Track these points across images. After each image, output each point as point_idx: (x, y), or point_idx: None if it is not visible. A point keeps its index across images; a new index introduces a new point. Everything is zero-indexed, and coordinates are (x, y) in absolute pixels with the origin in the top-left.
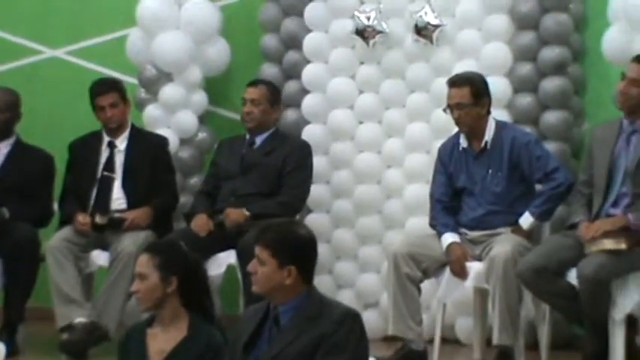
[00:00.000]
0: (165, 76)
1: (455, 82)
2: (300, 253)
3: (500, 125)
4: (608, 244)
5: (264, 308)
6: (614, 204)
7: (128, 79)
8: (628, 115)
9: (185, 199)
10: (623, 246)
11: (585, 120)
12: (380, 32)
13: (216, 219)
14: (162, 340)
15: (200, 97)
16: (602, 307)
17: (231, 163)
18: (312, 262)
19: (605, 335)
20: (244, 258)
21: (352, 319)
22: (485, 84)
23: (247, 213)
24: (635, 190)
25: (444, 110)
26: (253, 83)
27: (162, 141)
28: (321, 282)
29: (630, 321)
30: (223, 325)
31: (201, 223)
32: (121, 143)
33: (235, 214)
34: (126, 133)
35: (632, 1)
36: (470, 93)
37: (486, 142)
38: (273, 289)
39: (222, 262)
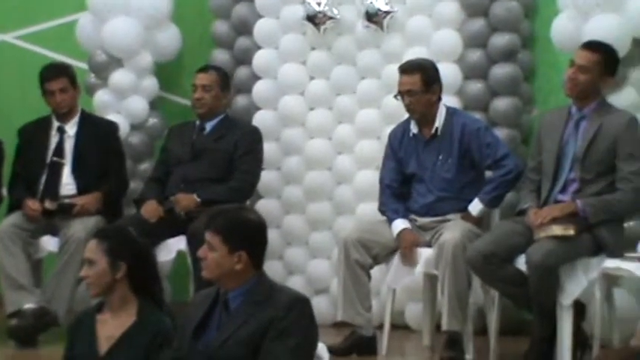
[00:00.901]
0: (116, 62)
1: (406, 69)
2: (250, 238)
3: (450, 112)
4: (557, 230)
5: (213, 294)
6: (563, 190)
7: (78, 64)
8: (576, 101)
9: (135, 185)
10: (571, 232)
11: (535, 106)
12: (331, 18)
13: (167, 205)
14: (111, 325)
15: (150, 83)
16: (550, 292)
17: (181, 149)
18: (263, 247)
19: (553, 320)
20: (194, 244)
21: (301, 304)
22: (436, 71)
23: (197, 199)
24: (583, 176)
25: (395, 97)
26: (204, 69)
27: (112, 126)
28: (272, 268)
29: (577, 306)
30: (173, 310)
31: (151, 209)
32: (71, 129)
33: (185, 200)
34: (76, 119)
35: None
36: (420, 80)
37: (437, 129)
38: (223, 274)
39: (172, 248)
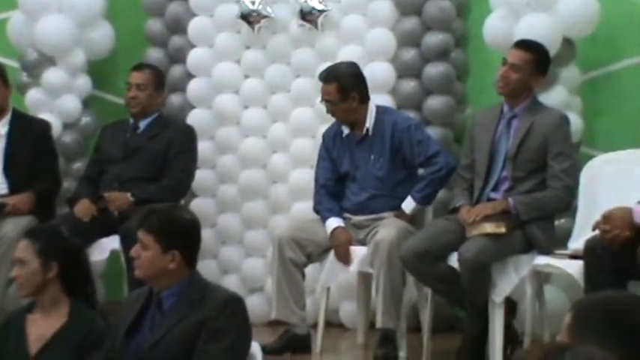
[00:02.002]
0: (48, 60)
1: (323, 78)
2: (183, 237)
3: (381, 110)
4: (489, 227)
5: (146, 293)
6: (495, 188)
7: (10, 63)
8: (508, 100)
9: (68, 184)
10: (503, 230)
11: (468, 105)
12: (265, 17)
13: (100, 204)
14: (42, 326)
15: (84, 82)
16: (482, 290)
17: (114, 148)
18: (196, 246)
19: (485, 317)
20: (128, 243)
21: (235, 304)
22: (354, 77)
23: (131, 198)
24: (515, 174)
25: (321, 102)
26: (138, 67)
27: (44, 125)
28: (206, 267)
29: (509, 303)
30: (106, 310)
31: (84, 209)
32: (2, 128)
33: (119, 199)
34: (7, 118)
35: None
36: (336, 90)
37: (368, 129)
38: (157, 274)
39: (105, 248)
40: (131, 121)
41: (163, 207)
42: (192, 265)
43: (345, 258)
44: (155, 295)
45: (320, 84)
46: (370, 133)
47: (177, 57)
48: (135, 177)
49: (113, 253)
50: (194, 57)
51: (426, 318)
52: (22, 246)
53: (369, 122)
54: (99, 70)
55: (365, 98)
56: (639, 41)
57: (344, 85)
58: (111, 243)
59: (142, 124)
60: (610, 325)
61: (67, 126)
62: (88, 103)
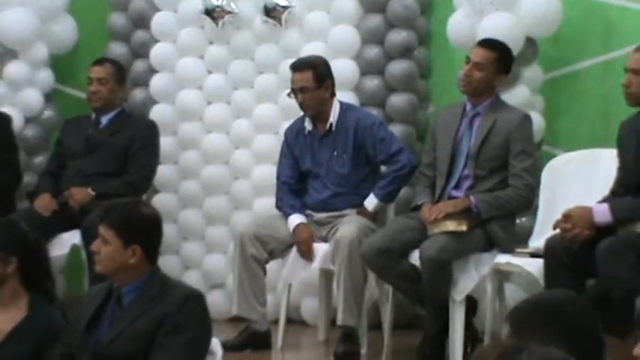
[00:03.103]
0: (10, 53)
1: (297, 66)
2: (144, 232)
3: (344, 107)
4: (450, 225)
5: (106, 288)
6: (457, 186)
7: None
8: (471, 98)
9: (29, 179)
10: (464, 227)
11: (431, 103)
12: (229, 12)
13: (61, 199)
14: (1, 320)
15: (46, 75)
16: (443, 287)
17: (76, 143)
18: (157, 242)
19: (446, 315)
20: (89, 238)
21: (195, 299)
22: (327, 67)
23: (92, 192)
24: (476, 172)
25: (289, 95)
26: (99, 62)
27: (5, 119)
28: (168, 262)
29: (469, 301)
30: (66, 305)
31: (44, 203)
32: None
33: (80, 194)
34: None
35: None
36: (312, 77)
37: (331, 124)
38: (117, 268)
39: (66, 242)
40: (93, 115)
41: (125, 202)
42: (153, 260)
43: (307, 255)
44: (115, 290)
45: (284, 79)
46: (334, 129)
47: (141, 52)
48: (96, 172)
49: (74, 248)
50: (157, 52)
51: (386, 315)
52: None
53: (333, 118)
54: (61, 64)
55: (333, 92)
56: (601, 41)
57: (320, 72)
58: (71, 238)
59: (104, 119)
60: (548, 328)
61: (28, 120)
62: (50, 97)
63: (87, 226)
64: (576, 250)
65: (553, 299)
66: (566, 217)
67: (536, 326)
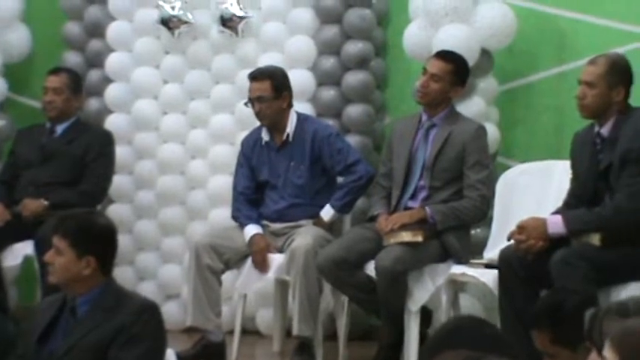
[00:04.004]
0: None
1: (256, 76)
2: (99, 243)
3: (301, 118)
4: (406, 236)
5: (60, 299)
6: (413, 197)
7: None
8: (427, 109)
9: None
10: (419, 238)
11: (387, 114)
12: (185, 22)
13: (14, 209)
14: None
15: None
16: (399, 298)
17: (30, 152)
18: (112, 253)
19: (401, 326)
20: (42, 248)
21: (150, 311)
22: (285, 78)
23: (45, 202)
24: (432, 183)
25: (246, 104)
26: (55, 71)
27: None
28: (123, 273)
29: (424, 312)
30: (18, 316)
31: None
32: None
33: (33, 205)
34: None
35: None
36: (270, 87)
37: (288, 135)
38: (71, 279)
39: (18, 253)
40: (48, 125)
41: (79, 212)
42: (108, 271)
43: (262, 265)
44: (69, 302)
45: (241, 89)
46: (291, 139)
47: (96, 61)
48: (51, 182)
49: (26, 259)
50: (113, 61)
51: (342, 326)
52: None
53: (290, 129)
54: (15, 73)
55: (291, 103)
56: (555, 53)
57: (278, 83)
58: (25, 248)
59: (59, 129)
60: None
61: None
62: (3, 106)
63: (40, 237)
64: (530, 261)
65: (448, 327)
66: (521, 228)
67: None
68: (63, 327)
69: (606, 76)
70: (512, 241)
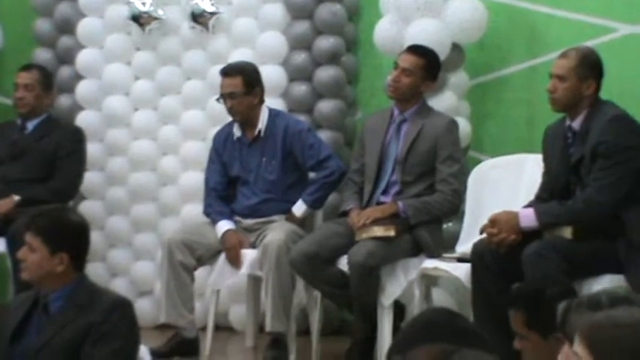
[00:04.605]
0: None
1: (227, 71)
2: (72, 240)
3: (273, 114)
4: (378, 231)
5: (32, 297)
6: (385, 192)
7: None
8: (398, 104)
9: None
10: (392, 233)
11: (358, 109)
12: (156, 19)
13: None
14: None
15: None
16: (372, 293)
17: (1, 149)
18: (85, 249)
19: (374, 321)
20: (14, 245)
21: (122, 307)
22: (257, 74)
23: (16, 198)
24: (404, 178)
25: (217, 100)
26: (26, 68)
27: None
28: (95, 270)
29: (397, 307)
30: None
31: None
32: None
33: (4, 205)
34: None
35: None
36: (242, 82)
37: (260, 131)
38: (44, 276)
39: None
40: (19, 121)
41: (51, 209)
42: (81, 267)
43: (235, 261)
44: (42, 299)
45: (212, 85)
46: (262, 135)
47: (66, 58)
48: (22, 178)
49: None
50: (83, 58)
51: (315, 321)
52: None
53: (262, 124)
54: None
55: (262, 99)
56: (526, 47)
57: (249, 78)
58: None
59: (30, 125)
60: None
61: None
62: None
63: (12, 234)
64: (503, 255)
65: (422, 319)
66: (493, 221)
67: (420, 345)
68: (36, 324)
69: (577, 70)
70: (484, 235)
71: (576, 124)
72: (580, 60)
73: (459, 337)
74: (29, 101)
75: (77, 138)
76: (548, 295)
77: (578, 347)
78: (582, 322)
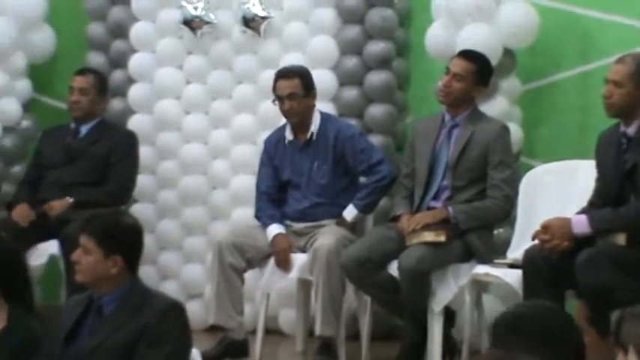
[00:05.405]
0: None
1: (285, 73)
2: (126, 242)
3: (325, 117)
4: (429, 236)
5: (86, 299)
6: (435, 197)
7: None
8: (450, 109)
9: (7, 188)
10: (442, 238)
11: (409, 114)
12: (208, 23)
13: (39, 209)
14: None
15: (24, 85)
16: (422, 298)
17: (55, 152)
18: (138, 252)
19: (424, 326)
20: (68, 247)
21: (175, 310)
22: (311, 77)
23: (70, 200)
24: (455, 183)
25: (274, 102)
26: (82, 72)
27: None
28: (146, 273)
29: (447, 312)
30: (43, 316)
31: (22, 213)
32: None
33: (58, 206)
34: None
35: None
36: (300, 84)
37: (312, 134)
38: (98, 278)
39: (43, 252)
40: (72, 125)
41: (106, 212)
42: (134, 270)
43: (284, 264)
44: (95, 301)
45: (263, 89)
46: (314, 138)
47: (119, 62)
48: (75, 182)
49: (51, 258)
50: (136, 62)
51: (365, 325)
52: None
53: (314, 127)
54: (39, 74)
55: (315, 102)
56: (578, 52)
57: (306, 81)
58: (49, 248)
59: (84, 129)
60: (533, 339)
61: (6, 129)
62: (28, 106)
63: (66, 236)
64: (555, 261)
65: (538, 311)
66: (545, 228)
67: (521, 338)
68: (89, 326)
69: (634, 76)
70: (536, 241)
71: (631, 130)
72: (637, 66)
73: (553, 334)
74: (84, 105)
75: (130, 142)
76: (615, 296)
77: (633, 359)
78: (635, 332)
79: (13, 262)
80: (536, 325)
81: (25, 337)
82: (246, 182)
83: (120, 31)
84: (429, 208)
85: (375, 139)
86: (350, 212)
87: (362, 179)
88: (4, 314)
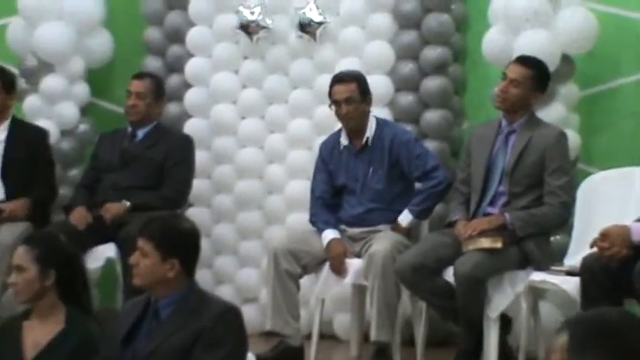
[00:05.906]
0: (47, 67)
1: (342, 78)
2: (183, 246)
3: (380, 123)
4: (485, 242)
5: (143, 302)
6: (492, 203)
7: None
8: (506, 114)
9: (65, 191)
10: (499, 245)
11: (465, 119)
12: (264, 28)
13: (96, 212)
14: (38, 332)
15: (82, 89)
16: (478, 305)
17: (112, 156)
18: (195, 256)
19: (480, 333)
20: (125, 250)
21: (232, 314)
22: (367, 82)
23: (127, 203)
24: (511, 189)
25: (330, 107)
26: (139, 76)
27: (42, 133)
28: (201, 276)
29: (503, 319)
30: (101, 318)
31: (79, 216)
32: (1, 133)
33: (114, 208)
34: (6, 124)
35: (512, 3)
36: (357, 89)
37: (367, 139)
38: (155, 281)
39: (100, 255)
40: (129, 129)
41: (164, 215)
42: (191, 274)
43: (339, 270)
44: (152, 304)
45: (319, 94)
46: (370, 144)
47: (176, 66)
48: (131, 185)
49: (108, 261)
50: (192, 66)
51: (420, 332)
52: (20, 252)
53: (370, 133)
54: (97, 78)
55: (370, 107)
56: (636, 58)
57: (363, 86)
58: (106, 251)
59: (140, 133)
60: (607, 344)
61: (64, 133)
62: (85, 110)
63: (123, 239)
64: (613, 269)
65: (613, 318)
66: (604, 235)
67: (595, 343)
68: (146, 329)
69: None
70: (594, 249)
71: None
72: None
73: (630, 356)
74: (141, 109)
75: (187, 146)
76: None
77: None
78: None
79: (71, 264)
80: (611, 333)
81: (83, 339)
82: (301, 187)
83: (177, 36)
84: (486, 215)
85: (431, 145)
86: (405, 218)
87: (417, 185)
88: (62, 316)
